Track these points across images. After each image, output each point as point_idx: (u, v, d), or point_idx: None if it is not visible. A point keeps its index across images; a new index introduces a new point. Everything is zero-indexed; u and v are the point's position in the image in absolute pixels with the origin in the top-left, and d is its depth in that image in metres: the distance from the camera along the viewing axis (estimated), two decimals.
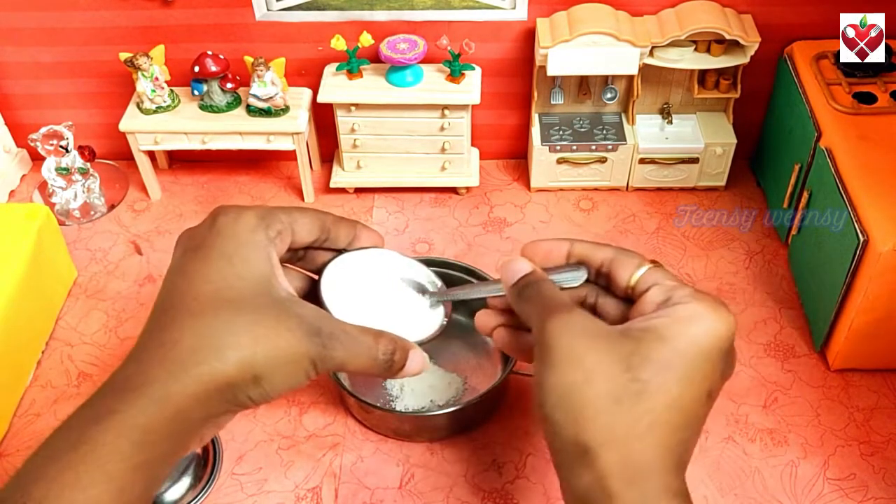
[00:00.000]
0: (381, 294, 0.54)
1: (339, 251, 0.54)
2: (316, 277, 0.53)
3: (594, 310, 0.52)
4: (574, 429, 0.43)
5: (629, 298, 0.49)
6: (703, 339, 0.44)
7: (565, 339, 0.44)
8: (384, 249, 0.55)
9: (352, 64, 0.80)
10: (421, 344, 0.52)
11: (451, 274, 0.72)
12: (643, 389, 0.42)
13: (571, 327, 0.45)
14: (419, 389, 0.68)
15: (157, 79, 0.81)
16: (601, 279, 0.51)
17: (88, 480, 0.40)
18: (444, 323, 0.54)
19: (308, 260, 0.54)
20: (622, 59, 0.78)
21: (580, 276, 0.51)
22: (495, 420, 0.68)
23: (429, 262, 0.72)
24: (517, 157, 0.92)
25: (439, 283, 0.56)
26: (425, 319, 0.54)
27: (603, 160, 0.85)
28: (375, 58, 0.81)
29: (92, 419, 0.42)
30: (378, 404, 0.67)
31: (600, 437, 0.42)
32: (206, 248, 0.47)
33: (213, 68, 0.79)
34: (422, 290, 0.56)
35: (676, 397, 0.43)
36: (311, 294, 0.52)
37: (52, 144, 0.81)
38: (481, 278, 0.71)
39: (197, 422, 0.44)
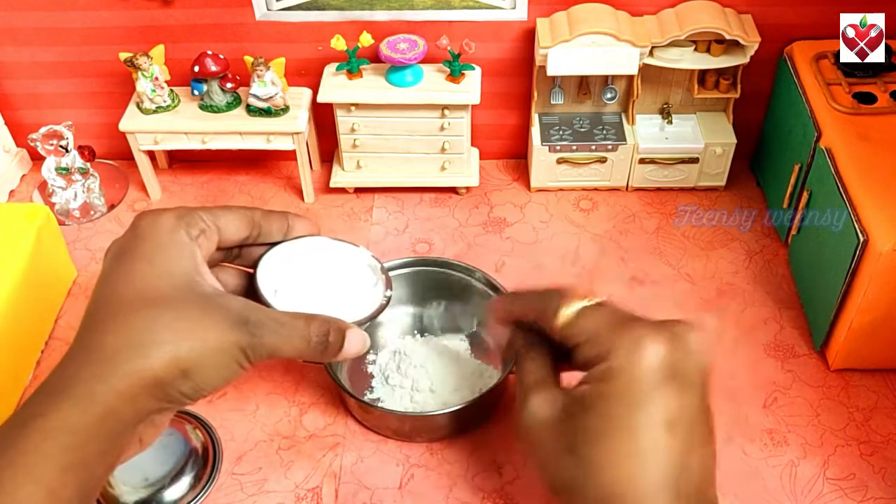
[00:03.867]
0: (318, 279, 0.54)
1: (275, 244, 0.54)
2: (252, 272, 0.53)
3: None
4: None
5: None
6: (625, 392, 0.45)
7: (525, 435, 0.49)
8: (319, 237, 0.55)
9: (352, 64, 0.80)
10: (361, 324, 0.52)
11: (451, 274, 0.72)
12: (591, 466, 0.44)
13: (527, 423, 0.50)
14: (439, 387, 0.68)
15: (157, 79, 0.81)
16: None
17: (12, 485, 0.40)
18: (385, 302, 0.54)
19: (244, 257, 0.54)
20: (622, 59, 0.78)
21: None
22: (495, 420, 0.68)
23: (429, 263, 0.73)
24: (517, 157, 0.92)
25: (378, 263, 0.56)
26: (365, 299, 0.54)
27: (603, 160, 0.85)
28: (375, 58, 0.81)
29: (19, 424, 0.42)
30: (378, 405, 0.67)
31: None
32: (128, 253, 0.48)
33: (213, 68, 0.79)
34: (363, 270, 0.56)
35: (628, 457, 0.44)
36: (251, 290, 0.52)
37: (51, 144, 0.81)
38: (481, 279, 0.71)
39: (129, 421, 0.44)
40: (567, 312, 0.49)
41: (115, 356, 0.43)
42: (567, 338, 0.49)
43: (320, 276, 0.54)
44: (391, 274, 0.59)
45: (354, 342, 0.51)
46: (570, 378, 0.51)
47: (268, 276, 0.52)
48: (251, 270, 0.53)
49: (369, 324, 0.54)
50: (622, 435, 0.44)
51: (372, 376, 0.70)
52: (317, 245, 0.55)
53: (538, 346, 0.53)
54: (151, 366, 0.43)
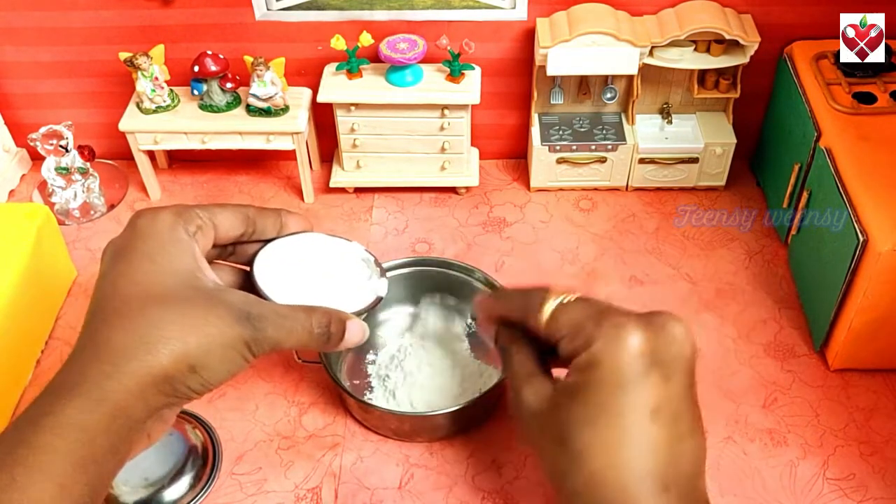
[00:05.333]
0: (314, 274, 0.55)
1: (269, 241, 0.55)
2: (248, 269, 0.53)
3: None
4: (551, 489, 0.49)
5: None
6: (608, 379, 0.45)
7: (519, 422, 0.51)
8: (312, 232, 0.56)
9: (351, 64, 0.80)
10: (359, 314, 0.53)
11: (451, 274, 0.72)
12: (578, 454, 0.45)
13: (521, 414, 0.51)
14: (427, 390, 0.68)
15: (156, 78, 0.81)
16: None
17: (25, 481, 0.41)
18: (382, 293, 0.55)
19: (239, 254, 0.55)
20: (622, 59, 0.78)
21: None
22: (495, 420, 0.68)
23: (429, 262, 0.73)
24: (517, 157, 0.92)
25: (372, 257, 0.56)
26: (361, 292, 0.55)
27: (603, 160, 0.85)
28: (375, 57, 0.81)
29: (30, 422, 0.43)
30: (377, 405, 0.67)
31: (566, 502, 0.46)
32: (128, 251, 0.48)
33: (213, 68, 0.79)
34: (360, 264, 0.57)
35: (613, 444, 0.44)
36: (246, 286, 0.53)
37: (51, 144, 0.81)
38: (481, 278, 0.71)
39: (138, 417, 0.45)
40: (549, 308, 0.50)
41: (124, 353, 0.44)
42: (551, 333, 0.49)
43: (316, 270, 0.55)
44: (391, 274, 0.60)
45: (355, 332, 0.52)
46: (559, 374, 0.51)
47: (265, 272, 0.53)
48: (246, 268, 0.54)
49: (367, 320, 0.55)
50: (606, 422, 0.45)
51: (371, 376, 0.70)
52: (311, 241, 0.56)
53: (523, 340, 0.54)
54: (160, 362, 0.44)
